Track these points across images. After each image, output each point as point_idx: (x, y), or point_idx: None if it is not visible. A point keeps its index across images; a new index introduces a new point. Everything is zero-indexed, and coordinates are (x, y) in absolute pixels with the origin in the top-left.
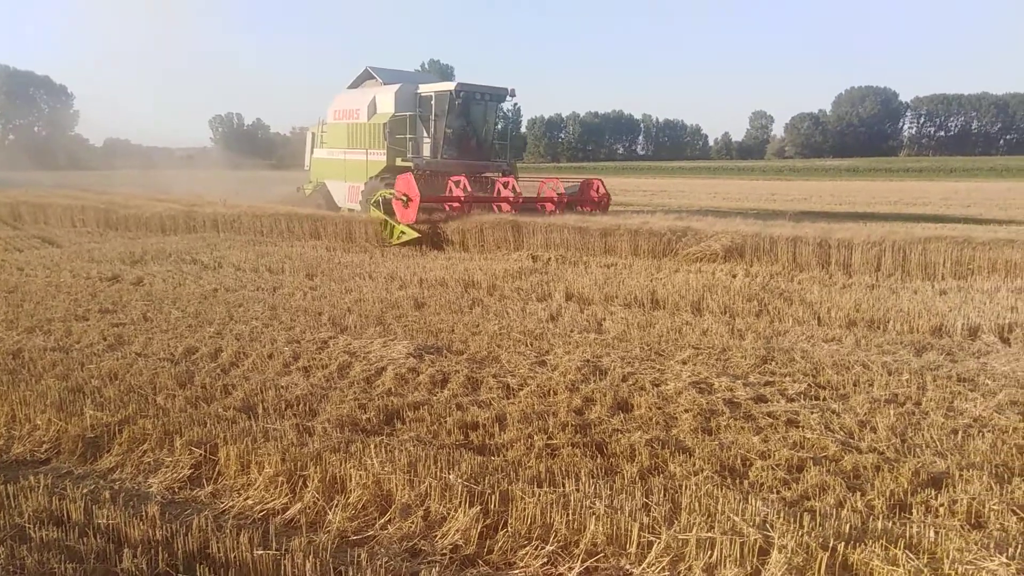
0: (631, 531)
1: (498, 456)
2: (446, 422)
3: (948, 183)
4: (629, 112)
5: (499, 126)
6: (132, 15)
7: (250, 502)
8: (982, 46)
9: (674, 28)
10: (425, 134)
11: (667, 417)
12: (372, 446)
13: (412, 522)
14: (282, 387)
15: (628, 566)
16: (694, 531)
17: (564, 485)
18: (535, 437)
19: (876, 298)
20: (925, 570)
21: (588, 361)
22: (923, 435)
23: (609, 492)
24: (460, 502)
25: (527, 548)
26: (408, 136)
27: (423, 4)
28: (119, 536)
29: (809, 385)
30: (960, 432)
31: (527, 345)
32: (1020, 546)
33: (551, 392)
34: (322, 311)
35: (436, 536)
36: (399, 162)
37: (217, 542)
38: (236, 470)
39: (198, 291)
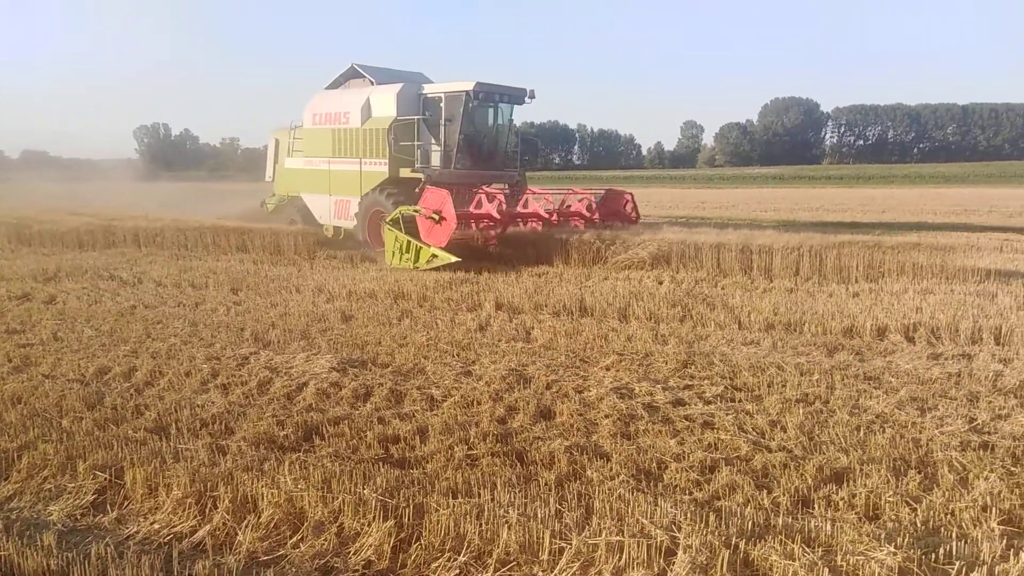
0: (543, 538)
1: (418, 469)
2: (366, 436)
3: (866, 190)
4: (564, 122)
5: (512, 132)
6: (50, 17)
7: (156, 526)
8: (896, 59)
9: (607, 38)
10: (433, 141)
11: (588, 423)
12: (287, 463)
13: (325, 539)
14: (198, 406)
15: (540, 573)
16: (603, 535)
17: (480, 495)
18: (456, 448)
19: (794, 301)
20: (819, 563)
21: (514, 370)
22: (829, 432)
23: (524, 500)
24: (374, 517)
25: (440, 560)
26: (416, 143)
27: (352, 9)
28: (11, 568)
29: (726, 387)
30: (863, 428)
31: (454, 356)
32: (909, 536)
33: (475, 402)
34: (245, 326)
35: (349, 552)
36: (407, 173)
37: (116, 570)
38: (143, 493)
39: (115, 308)
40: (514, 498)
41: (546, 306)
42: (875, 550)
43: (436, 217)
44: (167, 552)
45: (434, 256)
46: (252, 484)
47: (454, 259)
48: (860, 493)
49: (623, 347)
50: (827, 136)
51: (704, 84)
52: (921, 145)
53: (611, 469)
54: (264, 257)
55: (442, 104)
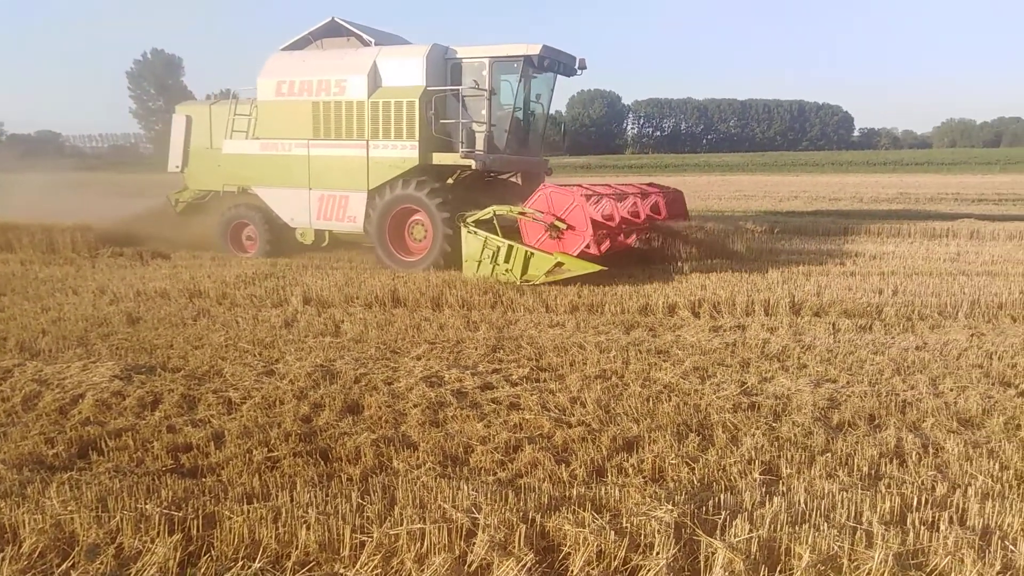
0: (344, 534)
1: (211, 477)
2: (153, 447)
3: (664, 177)
4: None
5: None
6: None
7: None
8: (687, 56)
9: (416, 28)
10: (471, 118)
11: (397, 414)
12: (55, 484)
13: (102, 563)
14: None
15: (342, 570)
16: (405, 525)
17: (278, 497)
18: (255, 452)
19: (597, 284)
20: (607, 526)
21: (321, 366)
22: (623, 405)
23: (325, 498)
24: (158, 532)
25: (234, 569)
26: (460, 121)
27: None
28: None
29: (532, 369)
30: (652, 399)
31: (256, 355)
32: (685, 493)
33: (278, 402)
34: (8, 335)
35: (130, 574)
36: (448, 160)
37: None
38: None
39: None
40: (314, 497)
41: (357, 298)
42: (655, 509)
43: (561, 226)
44: None
45: (560, 264)
46: (11, 511)
47: (595, 267)
48: (648, 459)
49: (435, 336)
50: (628, 127)
51: None
52: (709, 136)
53: (418, 458)
54: (35, 256)
55: (487, 72)
